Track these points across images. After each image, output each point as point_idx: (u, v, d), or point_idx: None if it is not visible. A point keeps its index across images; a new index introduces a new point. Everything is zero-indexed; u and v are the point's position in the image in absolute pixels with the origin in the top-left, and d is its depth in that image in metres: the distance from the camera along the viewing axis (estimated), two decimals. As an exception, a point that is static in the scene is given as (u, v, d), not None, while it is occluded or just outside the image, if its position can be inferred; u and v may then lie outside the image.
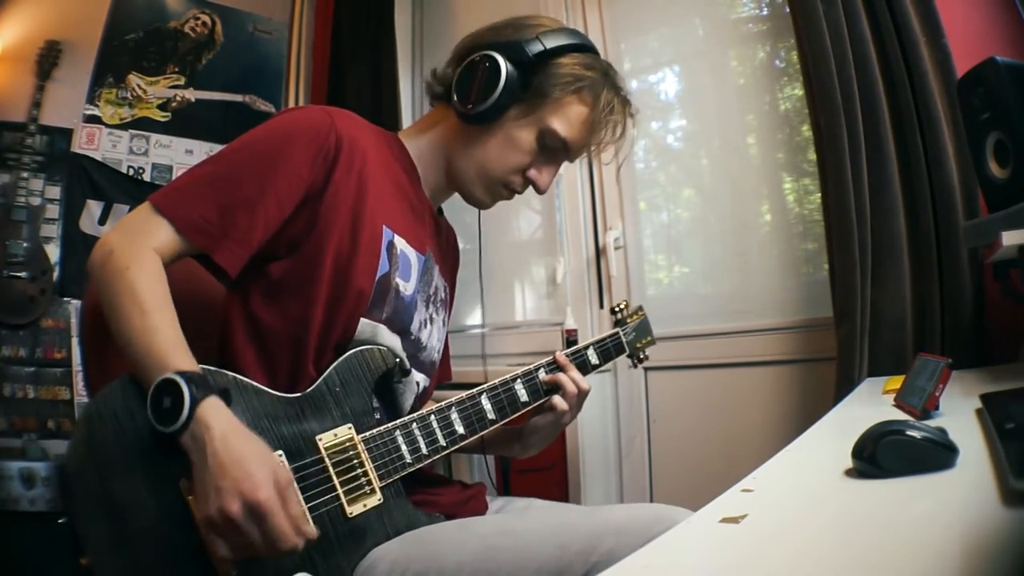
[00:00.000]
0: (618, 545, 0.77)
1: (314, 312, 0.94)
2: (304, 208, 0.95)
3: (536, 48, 1.03)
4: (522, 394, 1.08)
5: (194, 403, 0.75)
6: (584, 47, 1.09)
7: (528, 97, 1.04)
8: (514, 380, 1.07)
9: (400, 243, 1.03)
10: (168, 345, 0.79)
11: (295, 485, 0.79)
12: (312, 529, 0.77)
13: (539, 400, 1.10)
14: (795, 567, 0.49)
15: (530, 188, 1.13)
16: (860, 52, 1.48)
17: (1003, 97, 1.02)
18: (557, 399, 1.08)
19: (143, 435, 0.78)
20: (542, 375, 1.11)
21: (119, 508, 0.76)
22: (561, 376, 1.09)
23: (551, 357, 1.12)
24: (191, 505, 0.77)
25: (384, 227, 1.00)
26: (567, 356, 1.14)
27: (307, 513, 0.81)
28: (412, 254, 1.06)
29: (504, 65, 1.01)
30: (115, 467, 0.77)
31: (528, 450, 1.19)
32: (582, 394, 1.11)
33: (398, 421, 0.95)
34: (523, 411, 1.09)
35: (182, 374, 0.76)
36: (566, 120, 1.06)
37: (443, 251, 1.20)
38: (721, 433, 1.87)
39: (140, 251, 0.85)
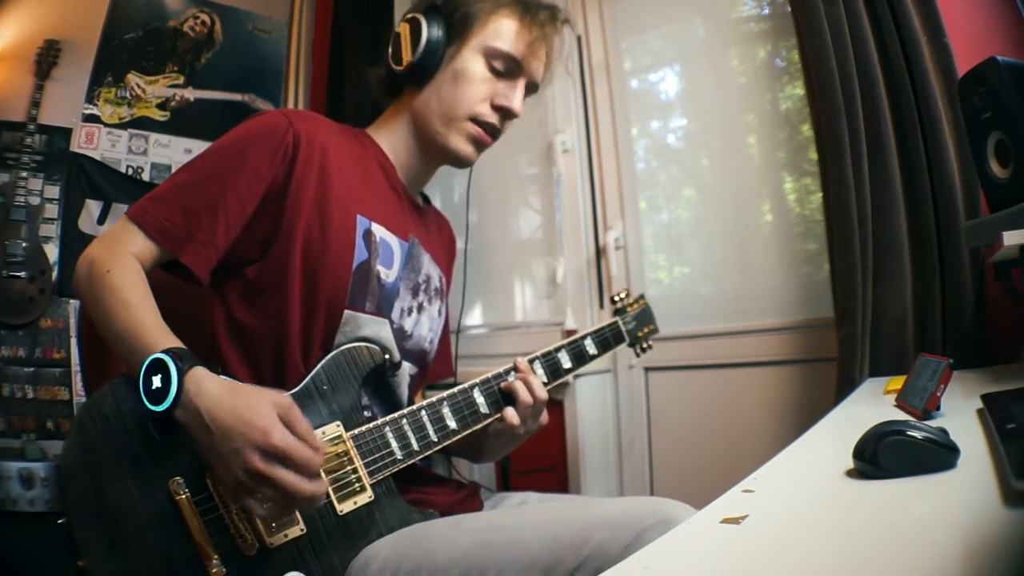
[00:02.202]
0: (610, 538, 0.77)
1: (290, 308, 0.95)
2: (268, 206, 0.96)
3: None
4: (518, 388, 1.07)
5: (181, 374, 0.76)
6: None
7: (457, 32, 1.07)
8: (507, 373, 1.06)
9: (379, 230, 1.03)
10: (151, 330, 0.81)
11: (296, 407, 0.79)
12: (322, 442, 0.79)
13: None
14: (796, 568, 0.49)
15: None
16: (861, 51, 1.48)
17: (1004, 97, 1.02)
18: (508, 411, 1.02)
19: (133, 438, 0.79)
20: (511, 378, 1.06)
21: (112, 511, 0.77)
22: (515, 384, 1.03)
23: (511, 363, 1.07)
24: (181, 506, 0.78)
25: (358, 216, 1.01)
26: (554, 349, 1.12)
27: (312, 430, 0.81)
28: (394, 241, 1.05)
29: (421, 16, 1.06)
30: (107, 471, 0.78)
31: (483, 459, 1.17)
32: (538, 404, 1.04)
33: (388, 417, 0.95)
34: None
35: (166, 351, 0.78)
36: (500, 35, 1.08)
37: (433, 239, 1.19)
38: (722, 433, 1.87)
39: (119, 255, 0.88)
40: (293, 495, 0.75)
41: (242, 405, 0.76)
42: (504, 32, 1.08)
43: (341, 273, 0.97)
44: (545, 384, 1.07)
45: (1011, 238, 0.95)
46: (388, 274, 1.04)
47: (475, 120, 1.08)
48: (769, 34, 1.98)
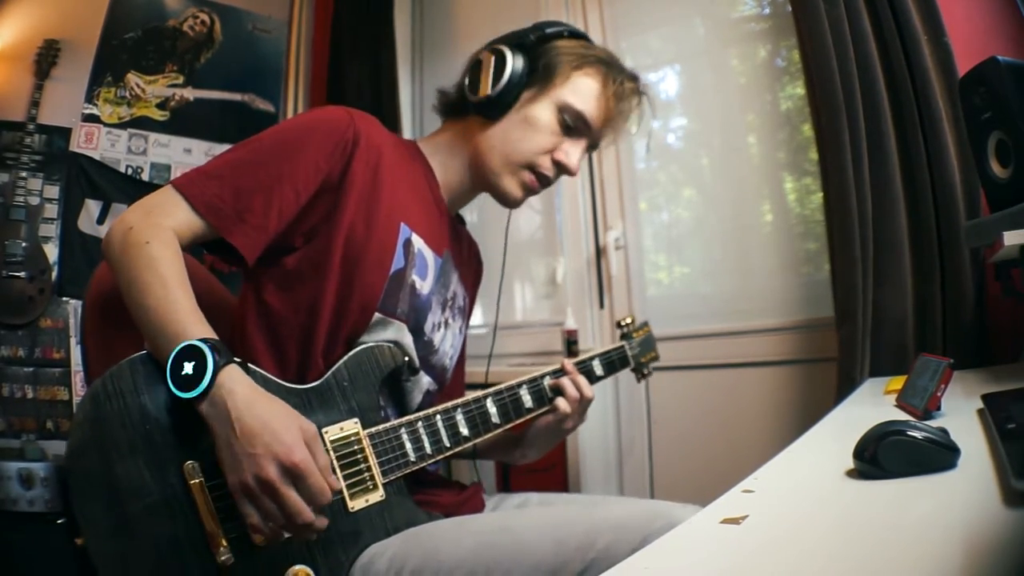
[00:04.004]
0: (615, 541, 0.77)
1: (324, 300, 0.95)
2: (322, 198, 0.96)
3: (535, 33, 1.08)
4: (527, 400, 1.10)
5: (216, 368, 0.75)
6: (582, 35, 1.14)
7: (538, 78, 1.07)
8: (519, 386, 1.09)
9: (418, 242, 1.04)
10: (189, 316, 0.80)
11: (319, 439, 0.79)
12: (336, 481, 0.79)
13: (543, 407, 1.12)
14: (796, 568, 0.49)
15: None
16: (861, 51, 1.48)
17: (1004, 96, 1.01)
18: (560, 400, 1.11)
19: (149, 416, 0.78)
20: (547, 381, 1.12)
21: (120, 490, 0.76)
22: (564, 380, 1.12)
23: (559, 364, 1.14)
24: (194, 490, 0.77)
25: (401, 224, 1.01)
26: (574, 364, 1.16)
27: (332, 463, 0.82)
28: (429, 254, 1.06)
29: (509, 52, 1.06)
30: (118, 447, 0.76)
31: (527, 456, 1.19)
32: (584, 400, 1.13)
33: (404, 419, 0.95)
34: (527, 417, 1.10)
35: (204, 340, 0.77)
36: (579, 93, 1.08)
37: (463, 259, 1.20)
38: (722, 434, 1.86)
39: (159, 228, 0.86)
40: (293, 518, 0.75)
41: (272, 415, 0.75)
42: (584, 91, 1.08)
43: (378, 276, 0.97)
44: (531, 410, 1.11)
45: (1011, 238, 0.94)
46: (423, 285, 1.04)
47: (532, 169, 1.09)
48: (769, 34, 1.98)
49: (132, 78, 2.42)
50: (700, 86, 2.15)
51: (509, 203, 1.13)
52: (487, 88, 1.06)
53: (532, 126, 1.07)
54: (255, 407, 0.75)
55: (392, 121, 2.37)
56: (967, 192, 1.38)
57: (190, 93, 2.53)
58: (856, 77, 1.47)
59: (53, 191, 2.26)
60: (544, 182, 1.11)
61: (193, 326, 0.79)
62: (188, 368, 0.75)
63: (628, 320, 1.36)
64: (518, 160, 1.08)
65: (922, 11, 1.42)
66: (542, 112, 1.07)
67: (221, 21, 2.60)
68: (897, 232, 1.45)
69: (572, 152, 1.10)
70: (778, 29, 1.93)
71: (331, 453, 0.87)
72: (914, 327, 1.44)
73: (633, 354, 1.32)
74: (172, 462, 0.78)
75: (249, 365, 0.85)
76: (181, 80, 2.51)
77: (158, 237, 0.85)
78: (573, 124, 1.08)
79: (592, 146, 1.14)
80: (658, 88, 2.24)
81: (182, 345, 0.76)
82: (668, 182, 2.22)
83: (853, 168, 1.46)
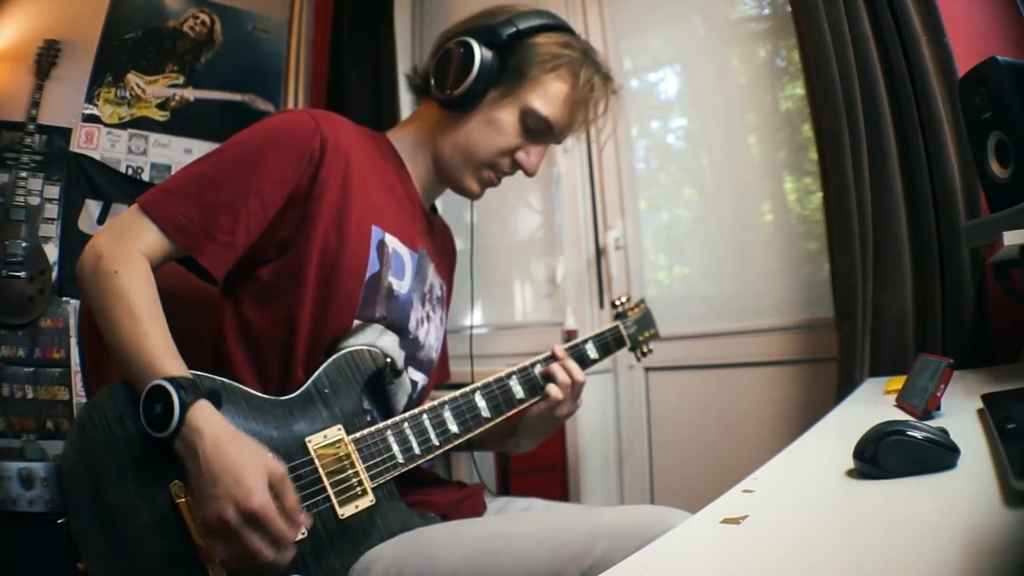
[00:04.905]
0: (612, 548, 0.76)
1: (301, 313, 0.94)
2: (291, 210, 0.95)
3: (509, 29, 1.04)
4: (518, 391, 1.07)
5: (183, 408, 0.75)
6: (560, 27, 1.09)
7: (506, 78, 1.04)
8: (509, 377, 1.07)
9: (391, 242, 1.02)
10: (158, 350, 0.79)
11: (289, 479, 0.78)
12: (306, 518, 0.78)
13: (535, 397, 1.09)
14: (796, 568, 0.49)
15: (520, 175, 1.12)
16: (861, 51, 1.48)
17: (1004, 96, 1.02)
18: (551, 387, 1.07)
19: (134, 441, 0.78)
20: (538, 369, 1.10)
21: (112, 514, 0.77)
22: (554, 366, 1.09)
23: (549, 351, 1.12)
24: (182, 509, 0.77)
25: (373, 226, 1.00)
26: (565, 349, 1.13)
27: (301, 506, 0.81)
28: (405, 252, 1.05)
29: (478, 48, 1.02)
30: (107, 473, 0.77)
31: (521, 445, 1.17)
32: (576, 385, 1.10)
33: (389, 421, 0.94)
34: (518, 408, 1.08)
35: (171, 380, 0.76)
36: (546, 99, 1.05)
37: (438, 249, 1.19)
38: (722, 434, 1.86)
39: (128, 254, 0.85)
40: (252, 559, 0.74)
41: (238, 458, 0.74)
42: (551, 95, 1.05)
43: (354, 284, 0.96)
44: (523, 400, 1.08)
45: (1011, 238, 0.94)
46: (401, 285, 1.03)
47: (492, 167, 1.09)
48: (769, 34, 1.98)
49: (132, 78, 2.42)
50: (700, 86, 2.15)
51: (470, 197, 1.13)
52: (452, 83, 1.03)
53: (495, 128, 1.05)
54: (222, 448, 0.75)
55: (392, 121, 2.37)
56: (967, 192, 1.38)
57: (190, 93, 2.53)
58: (856, 77, 1.47)
59: (53, 191, 2.26)
60: (502, 178, 1.11)
61: (160, 362, 0.78)
62: (157, 408, 0.75)
63: (623, 299, 1.33)
64: (479, 160, 1.07)
65: (922, 11, 1.42)
66: (506, 115, 1.05)
67: (221, 21, 2.60)
68: (897, 232, 1.45)
69: (534, 154, 1.09)
70: (778, 29, 1.93)
71: (317, 462, 0.86)
72: (914, 327, 1.44)
73: (629, 333, 1.29)
74: (159, 483, 0.78)
75: (227, 382, 0.85)
76: (181, 80, 2.51)
77: (127, 264, 0.84)
78: (535, 128, 1.07)
79: (556, 142, 1.14)
80: (658, 88, 2.25)
81: (149, 386, 0.76)
82: (668, 182, 2.22)
83: (853, 168, 1.46)
